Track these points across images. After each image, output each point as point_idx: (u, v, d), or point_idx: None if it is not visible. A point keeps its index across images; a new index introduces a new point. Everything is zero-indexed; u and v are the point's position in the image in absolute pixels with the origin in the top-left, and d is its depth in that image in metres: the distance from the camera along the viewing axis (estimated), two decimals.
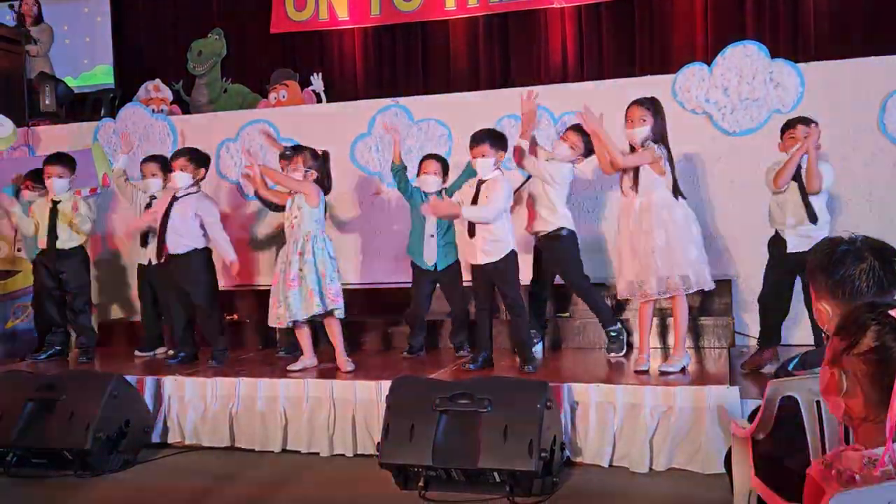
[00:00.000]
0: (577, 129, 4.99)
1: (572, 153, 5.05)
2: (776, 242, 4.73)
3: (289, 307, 4.95)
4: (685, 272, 4.42)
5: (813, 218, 4.58)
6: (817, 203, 4.61)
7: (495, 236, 4.74)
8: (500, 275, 4.78)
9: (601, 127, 4.54)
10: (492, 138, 4.82)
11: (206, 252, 5.53)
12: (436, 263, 5.31)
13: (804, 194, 4.60)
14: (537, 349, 5.23)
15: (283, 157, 5.66)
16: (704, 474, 3.94)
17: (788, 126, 4.74)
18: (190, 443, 4.85)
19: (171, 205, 5.43)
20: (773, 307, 4.74)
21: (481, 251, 4.77)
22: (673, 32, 8.46)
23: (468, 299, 5.42)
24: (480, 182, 4.80)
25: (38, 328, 6.24)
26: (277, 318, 5.06)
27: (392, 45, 9.34)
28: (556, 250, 5.12)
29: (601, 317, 5.14)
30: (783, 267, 4.65)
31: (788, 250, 4.63)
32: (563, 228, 5.05)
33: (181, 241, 5.40)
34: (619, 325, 5.10)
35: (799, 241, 4.59)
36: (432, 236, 5.30)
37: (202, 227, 5.44)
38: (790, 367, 2.41)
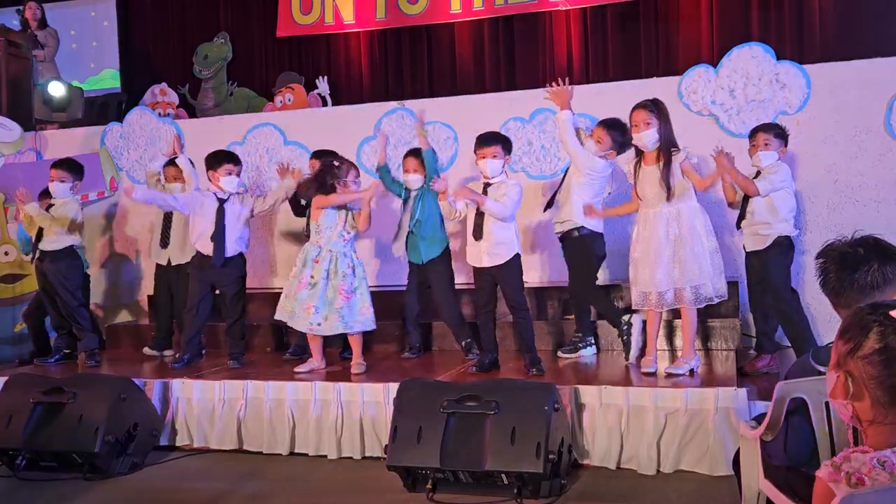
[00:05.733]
0: (605, 124, 4.99)
1: (598, 147, 4.97)
2: (744, 245, 4.82)
3: (342, 318, 4.97)
4: (706, 282, 4.40)
5: (738, 222, 4.72)
6: (765, 202, 4.61)
7: (501, 239, 4.73)
8: (503, 277, 4.78)
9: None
10: (502, 140, 4.84)
11: (244, 257, 5.63)
12: (419, 258, 5.36)
13: (745, 197, 4.70)
14: (586, 352, 5.21)
15: (331, 166, 5.29)
16: (712, 476, 3.94)
17: (755, 131, 4.79)
18: (198, 445, 4.86)
19: (221, 209, 5.45)
20: (756, 311, 4.81)
21: (487, 254, 4.76)
22: (679, 34, 8.46)
23: (458, 301, 5.51)
24: (487, 184, 4.80)
25: (31, 331, 6.27)
26: (312, 324, 5.00)
27: (397, 48, 9.36)
28: (567, 249, 5.13)
29: (609, 322, 5.15)
30: (750, 268, 4.76)
31: (746, 250, 4.73)
32: (580, 227, 5.02)
33: (233, 244, 5.48)
34: (623, 328, 5.08)
35: (752, 239, 4.69)
36: (411, 233, 5.35)
37: (247, 224, 5.59)
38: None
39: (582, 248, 5.06)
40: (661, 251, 4.41)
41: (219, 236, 5.43)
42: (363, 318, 5.03)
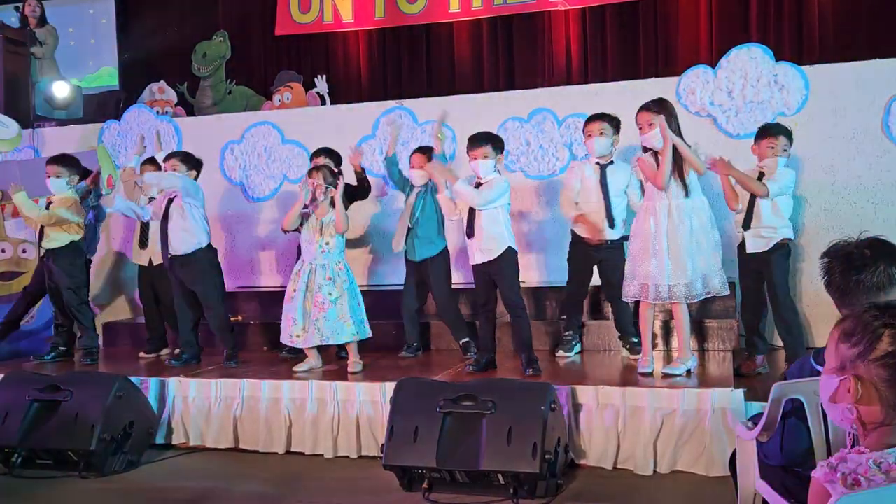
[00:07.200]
0: (608, 119, 5.00)
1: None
2: (741, 247, 4.83)
3: (319, 330, 4.96)
4: (705, 276, 4.42)
5: (746, 224, 4.72)
6: (771, 206, 4.68)
7: (491, 234, 4.73)
8: (498, 273, 4.76)
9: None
10: (493, 140, 4.83)
11: (212, 250, 5.57)
12: (415, 255, 5.38)
13: (751, 200, 4.71)
14: (572, 351, 5.26)
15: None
16: (708, 477, 3.94)
17: (768, 133, 4.77)
18: (194, 444, 4.87)
19: (168, 206, 5.44)
20: (753, 312, 4.82)
21: (479, 251, 4.78)
22: (677, 35, 8.46)
23: (455, 300, 5.52)
24: (479, 184, 4.79)
25: (18, 303, 6.22)
26: (294, 336, 5.02)
27: (396, 47, 9.35)
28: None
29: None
30: (748, 270, 4.79)
31: (747, 251, 4.75)
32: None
33: (187, 240, 5.42)
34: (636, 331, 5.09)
35: (756, 241, 4.72)
36: (410, 228, 5.36)
37: (195, 219, 5.46)
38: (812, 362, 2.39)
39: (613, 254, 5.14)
40: (661, 244, 4.41)
41: (163, 236, 5.47)
42: (343, 329, 4.97)
